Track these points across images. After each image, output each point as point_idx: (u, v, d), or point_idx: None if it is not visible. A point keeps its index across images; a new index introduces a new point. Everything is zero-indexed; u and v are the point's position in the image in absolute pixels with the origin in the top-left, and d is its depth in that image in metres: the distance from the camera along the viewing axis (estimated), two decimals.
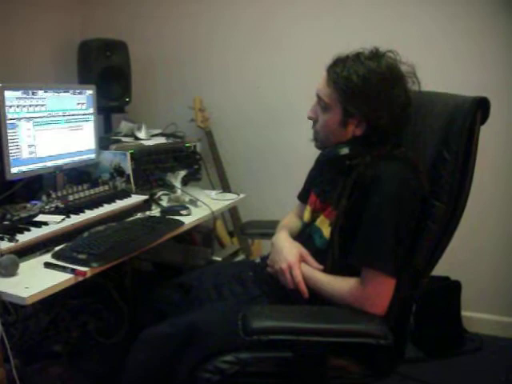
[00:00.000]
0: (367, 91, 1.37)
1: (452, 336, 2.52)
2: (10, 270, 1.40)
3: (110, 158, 2.32)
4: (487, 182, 2.33)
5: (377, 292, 1.31)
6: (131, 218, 1.98)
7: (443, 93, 1.51)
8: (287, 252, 1.50)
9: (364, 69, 1.38)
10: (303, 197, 1.75)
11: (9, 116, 1.87)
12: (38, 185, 2.09)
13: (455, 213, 1.36)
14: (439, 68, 2.40)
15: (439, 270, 1.45)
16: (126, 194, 2.15)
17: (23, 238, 1.58)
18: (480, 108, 1.34)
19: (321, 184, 1.61)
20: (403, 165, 1.36)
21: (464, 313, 2.53)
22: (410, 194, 1.32)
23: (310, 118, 1.53)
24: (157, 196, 2.26)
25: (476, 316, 2.64)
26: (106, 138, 2.51)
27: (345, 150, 1.42)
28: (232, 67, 2.93)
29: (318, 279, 1.41)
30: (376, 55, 1.41)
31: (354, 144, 1.43)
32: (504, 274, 2.61)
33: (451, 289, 2.49)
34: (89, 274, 1.47)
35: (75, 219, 1.81)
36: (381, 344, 1.22)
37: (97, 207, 1.95)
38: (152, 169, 2.39)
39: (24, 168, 1.97)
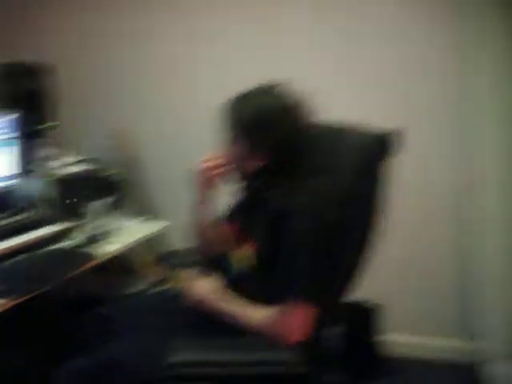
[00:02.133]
0: (254, 127, 1.43)
1: (371, 360, 2.55)
2: None
3: (32, 184, 2.27)
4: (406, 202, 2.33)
5: (297, 321, 1.35)
6: (45, 249, 1.95)
7: (353, 125, 1.57)
8: (200, 286, 1.58)
9: (251, 106, 1.45)
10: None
11: None
12: None
13: (370, 240, 1.46)
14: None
15: (359, 293, 1.53)
16: (47, 222, 2.10)
17: None
18: (384, 144, 1.45)
19: (241, 215, 1.65)
20: (316, 197, 1.40)
21: (385, 336, 2.55)
22: (323, 226, 1.36)
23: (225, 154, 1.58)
24: (79, 224, 2.23)
25: (396, 338, 2.65)
26: (29, 164, 2.44)
27: (254, 183, 1.49)
28: (151, 93, 2.94)
29: (236, 312, 1.43)
30: (265, 91, 1.47)
31: (264, 176, 1.48)
32: (426, 294, 2.65)
33: (369, 312, 2.53)
34: None
35: None
36: (299, 372, 1.26)
37: (16, 235, 1.90)
38: (75, 196, 2.34)
39: None
